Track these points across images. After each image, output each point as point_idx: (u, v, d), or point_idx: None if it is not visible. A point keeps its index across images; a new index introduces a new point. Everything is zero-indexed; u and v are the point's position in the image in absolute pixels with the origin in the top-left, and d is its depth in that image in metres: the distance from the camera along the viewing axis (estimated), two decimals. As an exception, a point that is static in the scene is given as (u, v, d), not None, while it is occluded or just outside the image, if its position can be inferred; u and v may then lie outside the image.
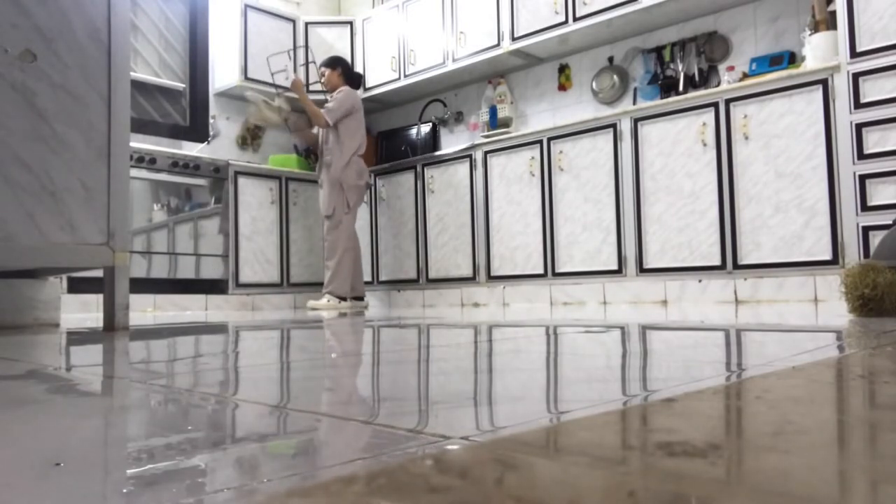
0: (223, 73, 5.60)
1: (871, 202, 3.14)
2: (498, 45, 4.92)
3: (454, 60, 5.21)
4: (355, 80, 5.00)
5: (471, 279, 4.77)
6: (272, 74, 5.21)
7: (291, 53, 5.63)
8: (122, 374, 1.13)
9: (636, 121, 3.98)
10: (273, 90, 5.07)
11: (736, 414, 0.63)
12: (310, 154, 5.91)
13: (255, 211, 5.19)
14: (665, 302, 3.84)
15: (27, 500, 0.40)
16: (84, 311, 4.28)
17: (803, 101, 3.39)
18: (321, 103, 4.90)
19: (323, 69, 4.91)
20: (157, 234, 4.68)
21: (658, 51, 4.52)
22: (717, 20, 4.32)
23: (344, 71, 4.91)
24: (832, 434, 0.53)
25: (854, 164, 3.19)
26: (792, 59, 3.89)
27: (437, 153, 5.11)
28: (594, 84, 4.84)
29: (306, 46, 5.73)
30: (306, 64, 5.68)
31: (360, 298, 4.86)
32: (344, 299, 4.66)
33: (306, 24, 5.91)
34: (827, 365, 0.93)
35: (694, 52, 4.37)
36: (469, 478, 0.40)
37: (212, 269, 4.93)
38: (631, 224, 3.98)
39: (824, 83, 3.33)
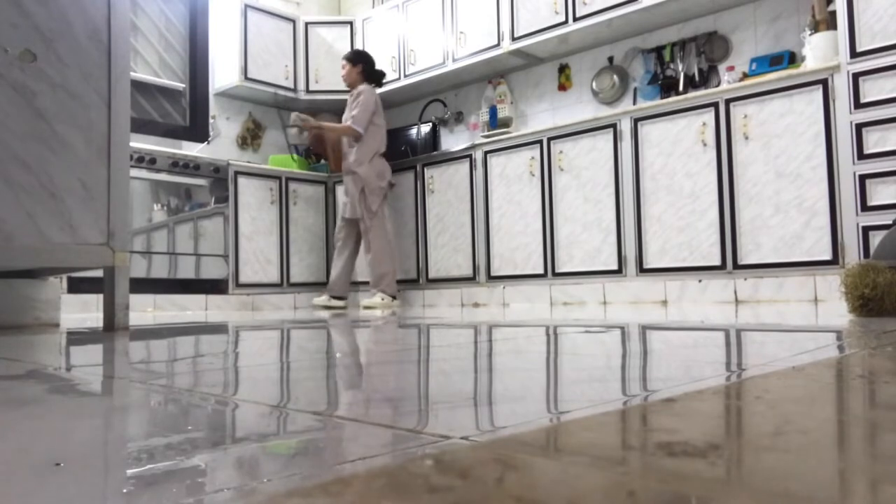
0: (223, 73, 5.60)
1: (871, 202, 3.14)
2: (498, 45, 4.92)
3: (454, 60, 5.21)
4: (377, 78, 4.95)
5: (471, 279, 4.77)
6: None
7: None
8: (122, 374, 1.13)
9: (636, 121, 3.98)
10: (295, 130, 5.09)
11: (736, 414, 0.63)
12: (310, 154, 5.90)
13: (255, 211, 5.19)
14: (665, 302, 3.84)
15: (27, 500, 0.40)
16: (84, 311, 4.28)
17: (803, 101, 3.39)
18: (338, 103, 4.96)
19: (344, 62, 4.92)
20: (157, 234, 4.68)
21: (658, 51, 4.52)
22: (717, 20, 4.32)
23: (365, 68, 4.88)
24: (832, 434, 0.53)
25: (854, 164, 3.19)
26: (792, 59, 3.89)
27: (437, 153, 5.11)
28: (594, 84, 4.84)
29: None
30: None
31: (341, 298, 4.85)
32: (394, 297, 4.72)
33: (306, 24, 5.91)
34: (827, 365, 0.93)
35: (694, 52, 4.38)
36: (469, 478, 0.40)
37: (212, 269, 4.93)
38: (631, 224, 3.98)
39: (824, 83, 3.33)
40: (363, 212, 4.70)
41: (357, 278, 5.24)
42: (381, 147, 4.80)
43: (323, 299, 4.90)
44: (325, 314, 3.75)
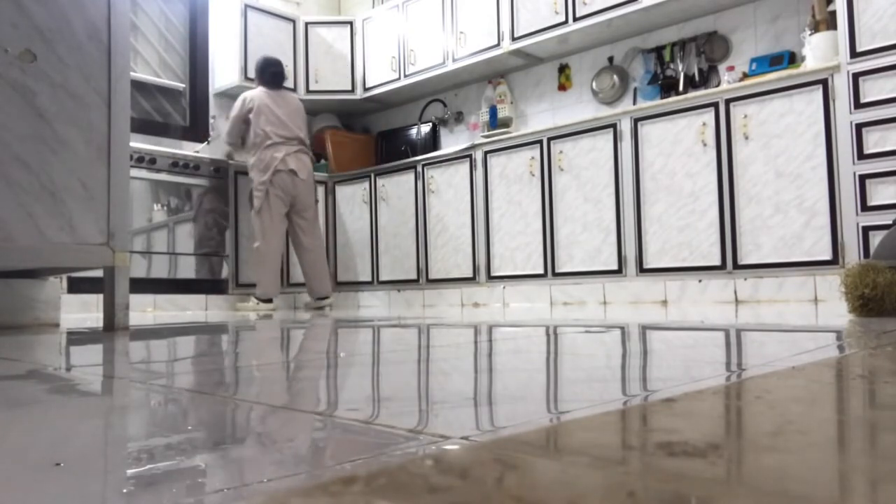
0: (223, 73, 5.60)
1: (871, 202, 3.14)
2: (498, 45, 4.92)
3: (454, 60, 5.21)
4: (267, 80, 4.79)
5: (471, 279, 4.77)
6: None
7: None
8: (122, 374, 1.13)
9: (636, 121, 3.98)
10: None
11: (736, 414, 0.63)
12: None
13: (255, 211, 5.18)
14: (665, 302, 3.84)
15: (27, 500, 0.40)
16: (84, 311, 4.28)
17: (803, 101, 3.39)
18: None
19: None
20: (157, 234, 4.68)
21: (658, 51, 4.52)
22: (717, 20, 4.32)
23: (257, 76, 4.86)
24: (832, 434, 0.53)
25: (854, 164, 3.19)
26: (792, 59, 3.89)
27: (437, 153, 5.11)
28: (594, 84, 4.84)
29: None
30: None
31: (324, 297, 4.83)
32: (268, 301, 4.65)
33: (306, 24, 5.91)
34: (827, 365, 0.93)
35: (694, 52, 4.37)
36: (469, 478, 0.40)
37: (212, 270, 4.93)
38: (631, 224, 3.98)
39: (824, 83, 3.33)
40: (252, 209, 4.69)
41: (297, 279, 5.28)
42: (265, 138, 4.62)
43: (308, 302, 4.92)
44: (314, 314, 3.75)
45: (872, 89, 3.16)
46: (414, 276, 5.13)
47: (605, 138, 4.11)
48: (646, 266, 3.92)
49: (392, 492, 0.37)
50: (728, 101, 3.64)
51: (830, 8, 3.45)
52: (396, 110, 6.18)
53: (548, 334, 1.71)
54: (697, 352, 1.20)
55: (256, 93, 4.73)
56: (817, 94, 3.35)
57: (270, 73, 4.81)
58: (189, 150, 5.25)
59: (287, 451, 0.54)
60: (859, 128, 3.18)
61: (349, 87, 5.90)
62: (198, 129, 5.56)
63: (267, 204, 4.58)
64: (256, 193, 4.61)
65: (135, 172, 4.44)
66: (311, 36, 5.90)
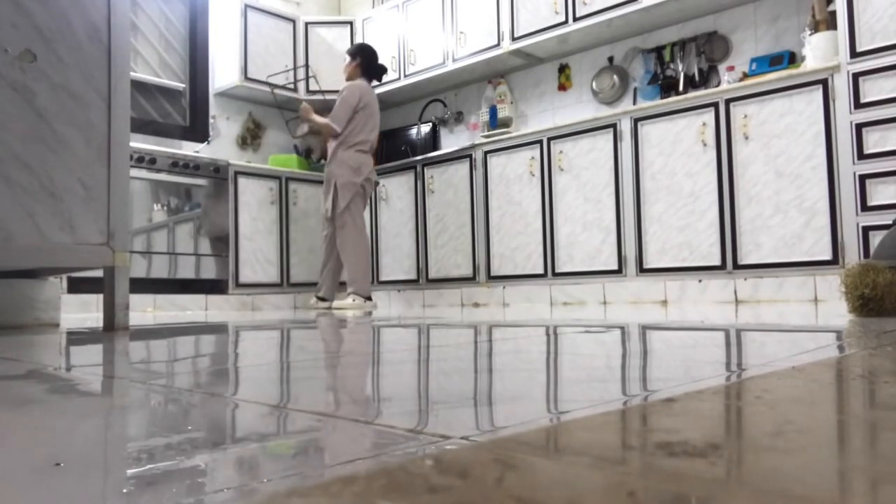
0: (223, 73, 5.60)
1: (871, 202, 3.14)
2: (498, 45, 4.92)
3: (454, 60, 5.21)
4: (375, 73, 4.80)
5: (471, 279, 4.77)
6: (273, 94, 5.24)
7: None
8: (122, 374, 1.13)
9: (636, 121, 3.98)
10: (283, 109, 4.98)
11: (736, 414, 0.63)
12: (310, 154, 5.90)
13: (255, 211, 5.19)
14: (665, 302, 3.84)
15: (27, 500, 0.40)
16: (84, 311, 4.28)
17: (803, 101, 3.40)
18: (318, 103, 4.89)
19: (346, 56, 4.83)
20: (157, 234, 4.68)
21: (658, 51, 4.52)
22: (717, 20, 4.32)
23: (363, 62, 4.72)
24: (832, 434, 0.53)
25: (854, 164, 3.20)
26: (792, 59, 3.89)
27: (437, 153, 5.12)
28: (594, 84, 4.84)
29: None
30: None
31: (324, 300, 4.81)
32: (369, 298, 4.59)
33: (306, 24, 5.91)
34: (827, 365, 0.93)
35: (694, 52, 4.38)
36: (469, 478, 0.40)
37: (212, 269, 4.93)
38: (631, 224, 3.98)
39: (824, 83, 3.33)
40: (333, 208, 4.56)
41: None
42: (363, 144, 4.59)
43: (312, 301, 4.90)
44: (313, 314, 3.75)
45: (872, 89, 3.16)
46: (414, 276, 5.13)
47: (605, 138, 4.11)
48: (646, 266, 3.92)
49: (392, 492, 0.37)
50: (728, 101, 3.64)
51: (830, 8, 3.45)
52: (396, 110, 6.18)
53: (548, 334, 1.71)
54: (697, 352, 1.20)
55: (369, 90, 4.67)
56: (817, 94, 3.35)
57: (379, 68, 4.83)
58: (189, 150, 5.25)
59: (287, 450, 0.54)
60: (859, 128, 3.18)
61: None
62: (198, 129, 5.56)
63: (356, 201, 4.57)
64: (343, 192, 4.51)
65: (135, 172, 4.44)
66: (311, 36, 5.90)
